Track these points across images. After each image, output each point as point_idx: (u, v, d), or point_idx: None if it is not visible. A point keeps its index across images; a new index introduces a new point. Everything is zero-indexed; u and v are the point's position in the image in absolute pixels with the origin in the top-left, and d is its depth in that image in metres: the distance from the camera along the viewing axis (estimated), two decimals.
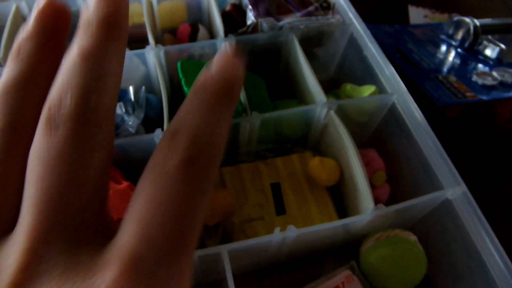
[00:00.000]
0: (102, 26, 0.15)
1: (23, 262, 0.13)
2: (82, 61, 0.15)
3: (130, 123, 0.39)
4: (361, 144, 0.49)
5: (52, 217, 0.14)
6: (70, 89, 0.15)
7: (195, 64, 0.44)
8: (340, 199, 0.43)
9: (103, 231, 0.15)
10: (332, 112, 0.40)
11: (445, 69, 0.56)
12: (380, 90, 0.45)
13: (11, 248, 0.14)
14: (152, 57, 0.44)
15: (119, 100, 0.42)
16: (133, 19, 0.56)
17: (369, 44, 0.47)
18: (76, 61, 0.15)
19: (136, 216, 0.14)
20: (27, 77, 0.16)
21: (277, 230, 0.33)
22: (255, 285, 0.40)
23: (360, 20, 0.49)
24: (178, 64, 0.43)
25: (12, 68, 0.16)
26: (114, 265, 0.13)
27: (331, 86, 0.53)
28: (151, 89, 0.49)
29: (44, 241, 0.14)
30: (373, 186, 0.45)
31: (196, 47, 0.47)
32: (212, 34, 0.55)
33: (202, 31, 0.53)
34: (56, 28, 0.17)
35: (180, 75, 0.42)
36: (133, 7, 0.55)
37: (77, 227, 0.14)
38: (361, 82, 0.48)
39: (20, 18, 0.49)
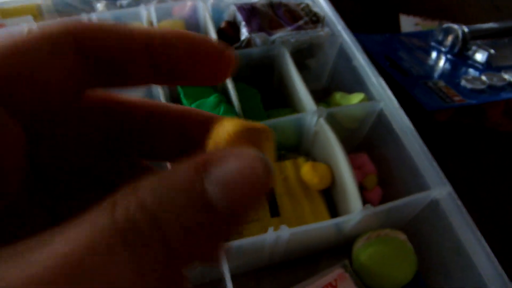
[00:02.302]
0: None
1: None
2: None
3: None
4: (353, 149, 0.51)
5: None
6: None
7: None
8: (333, 202, 0.45)
9: None
10: (322, 120, 0.43)
11: (435, 75, 0.58)
12: (369, 97, 0.48)
13: None
14: None
15: None
16: None
17: (357, 54, 0.49)
18: None
19: None
20: None
21: (270, 229, 0.35)
22: (253, 285, 0.42)
23: (349, 31, 0.52)
24: None
25: None
26: None
27: (324, 95, 0.56)
28: None
29: None
30: (365, 189, 0.47)
31: None
32: None
33: None
34: None
35: (179, 88, 0.45)
36: None
37: None
38: (351, 90, 0.51)
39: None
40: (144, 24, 0.55)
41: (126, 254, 0.09)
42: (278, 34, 0.50)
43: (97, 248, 0.09)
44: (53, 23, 0.12)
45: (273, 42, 0.50)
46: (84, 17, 0.54)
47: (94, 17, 0.54)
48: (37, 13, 0.60)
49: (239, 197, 0.10)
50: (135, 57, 0.13)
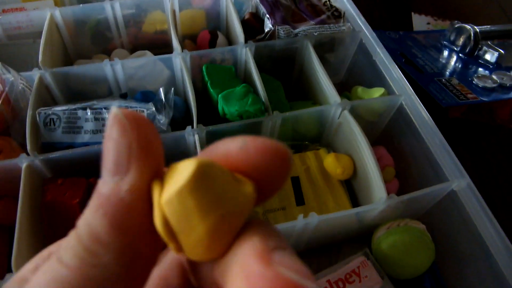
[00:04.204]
0: None
1: None
2: None
3: (162, 121, 0.42)
4: (371, 142, 0.52)
5: None
6: None
7: (218, 68, 0.48)
8: (353, 193, 0.46)
9: None
10: (346, 112, 0.44)
11: (447, 72, 0.60)
12: (389, 92, 0.49)
13: None
14: (179, 61, 0.48)
15: (149, 100, 0.46)
16: (155, 26, 0.60)
17: (378, 50, 0.50)
18: None
19: None
20: None
21: (300, 216, 0.36)
22: None
23: (369, 27, 0.53)
24: (203, 68, 0.47)
25: None
26: None
27: (341, 89, 0.57)
28: (175, 91, 0.53)
29: None
30: None
31: (216, 53, 0.51)
32: (229, 41, 0.58)
33: (221, 37, 0.57)
34: None
35: (206, 78, 0.46)
36: (155, 15, 0.59)
37: None
38: (370, 85, 0.52)
39: (54, 25, 0.53)
40: (168, 13, 0.55)
41: None
42: (302, 28, 0.51)
43: None
44: None
45: (296, 35, 0.51)
46: (107, 5, 0.55)
47: (117, 4, 0.55)
48: None
49: None
50: None
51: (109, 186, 0.12)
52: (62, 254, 0.12)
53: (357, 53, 0.55)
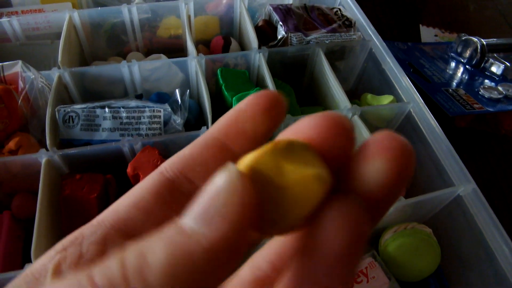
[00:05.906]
0: None
1: None
2: None
3: (177, 121, 0.44)
4: None
5: None
6: None
7: (232, 72, 0.49)
8: None
9: None
10: (356, 117, 0.45)
11: (454, 83, 0.62)
12: (397, 99, 0.50)
13: None
14: (194, 64, 0.49)
15: (164, 102, 0.47)
16: (170, 31, 0.62)
17: (388, 59, 0.52)
18: None
19: None
20: None
21: None
22: None
23: (379, 37, 0.54)
24: (218, 72, 0.48)
25: None
26: None
27: (350, 97, 0.58)
28: (189, 94, 0.54)
29: None
30: None
31: (230, 58, 0.52)
32: (242, 47, 0.60)
33: (234, 43, 0.59)
34: None
35: (221, 81, 0.47)
36: (170, 20, 0.61)
37: None
38: (379, 92, 0.53)
39: (72, 27, 0.55)
40: (184, 19, 0.57)
41: None
42: (314, 35, 0.52)
43: None
44: None
45: (308, 42, 0.52)
46: (124, 9, 0.56)
47: (134, 8, 0.57)
48: (75, 0, 0.61)
49: None
50: None
51: None
52: None
53: (367, 62, 0.56)
